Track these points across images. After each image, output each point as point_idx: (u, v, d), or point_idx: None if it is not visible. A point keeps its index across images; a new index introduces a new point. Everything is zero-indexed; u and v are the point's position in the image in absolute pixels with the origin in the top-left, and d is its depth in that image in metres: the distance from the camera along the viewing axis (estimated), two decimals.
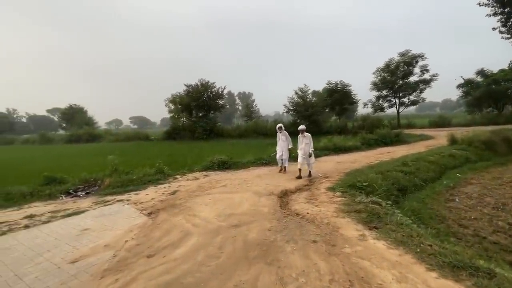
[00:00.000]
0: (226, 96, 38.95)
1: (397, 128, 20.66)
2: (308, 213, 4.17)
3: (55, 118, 73.44)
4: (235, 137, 24.92)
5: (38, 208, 5.37)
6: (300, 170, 7.05)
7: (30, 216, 4.78)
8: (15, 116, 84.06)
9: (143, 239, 3.51)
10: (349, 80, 27.39)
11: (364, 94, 30.68)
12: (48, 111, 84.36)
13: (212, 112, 29.68)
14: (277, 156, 7.84)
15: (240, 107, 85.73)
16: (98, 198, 5.89)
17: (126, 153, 15.20)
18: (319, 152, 11.33)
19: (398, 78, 28.49)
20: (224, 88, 30.33)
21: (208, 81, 29.28)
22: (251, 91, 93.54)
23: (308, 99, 27.04)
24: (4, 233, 4.05)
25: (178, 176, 7.80)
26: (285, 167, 7.82)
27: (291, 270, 2.59)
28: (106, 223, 4.23)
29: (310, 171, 7.20)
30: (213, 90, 29.25)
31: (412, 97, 29.22)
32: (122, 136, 32.72)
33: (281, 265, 2.68)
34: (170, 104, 29.96)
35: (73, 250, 3.29)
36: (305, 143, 7.06)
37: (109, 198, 5.83)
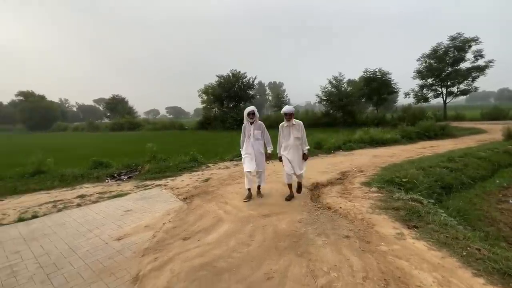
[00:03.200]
0: (257, 87, 38.91)
1: (443, 121, 18.92)
2: (340, 207, 4.04)
3: (101, 108, 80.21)
4: (265, 127, 24.86)
5: (88, 189, 5.96)
6: (290, 185, 4.51)
7: (81, 196, 5.33)
8: (66, 105, 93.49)
9: (179, 222, 3.72)
10: (390, 69, 25.48)
11: (405, 83, 28.35)
12: (94, 101, 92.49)
13: (242, 102, 29.99)
14: (246, 168, 4.39)
15: (270, 97, 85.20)
16: (139, 182, 6.35)
17: (163, 141, 16.10)
18: (353, 144, 10.86)
19: (447, 64, 25.75)
20: (255, 78, 30.40)
21: (239, 72, 29.50)
22: (282, 81, 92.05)
23: (342, 88, 25.89)
24: (60, 210, 4.58)
25: (210, 165, 8.07)
26: (258, 187, 4.70)
27: (322, 264, 2.55)
28: (146, 205, 4.55)
29: (299, 183, 4.62)
30: (244, 80, 29.45)
31: (462, 86, 26.29)
32: (159, 125, 34.75)
33: (312, 258, 2.65)
34: (203, 95, 30.90)
35: (118, 229, 3.61)
36: (294, 136, 4.28)
37: (148, 182, 6.25)
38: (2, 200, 5.30)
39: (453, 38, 25.01)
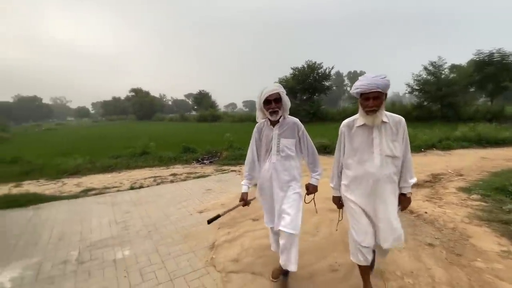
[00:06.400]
0: (334, 77, 36.78)
1: None
2: (426, 212, 3.53)
3: (190, 102, 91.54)
4: (340, 120, 23.32)
5: (179, 169, 7.04)
6: (366, 269, 1.95)
7: (174, 174, 6.36)
8: (164, 100, 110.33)
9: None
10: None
11: None
12: (185, 95, 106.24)
13: (317, 94, 28.96)
14: (266, 221, 2.32)
15: (348, 88, 79.14)
16: (218, 167, 7.10)
17: (239, 132, 17.23)
18: (452, 143, 9.08)
19: None
20: (332, 68, 28.74)
21: (315, 62, 28.48)
22: (364, 69, 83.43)
23: (442, 76, 21.65)
24: (158, 184, 5.60)
25: None
26: (284, 272, 2.17)
27: (395, 267, 2.32)
28: (223, 187, 5.09)
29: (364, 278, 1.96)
30: (319, 71, 28.31)
31: None
32: (237, 117, 37.39)
33: (384, 260, 2.45)
34: None
35: (200, 204, 4.19)
36: (384, 154, 1.76)
37: (225, 167, 6.93)
38: (119, 173, 6.85)
39: None
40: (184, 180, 5.84)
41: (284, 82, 29.59)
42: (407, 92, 24.17)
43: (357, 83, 1.76)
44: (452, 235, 2.85)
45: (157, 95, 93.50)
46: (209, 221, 2.23)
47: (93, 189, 5.25)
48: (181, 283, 2.25)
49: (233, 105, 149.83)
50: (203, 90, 60.78)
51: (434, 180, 5.26)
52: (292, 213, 1.96)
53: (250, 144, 2.26)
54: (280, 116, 2.09)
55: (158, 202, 4.37)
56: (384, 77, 1.70)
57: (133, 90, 69.30)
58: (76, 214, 3.91)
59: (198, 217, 3.64)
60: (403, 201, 1.88)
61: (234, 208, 2.35)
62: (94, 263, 2.58)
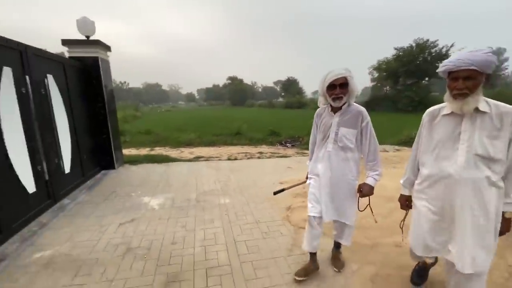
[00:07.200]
0: None
1: None
2: None
3: (278, 89, 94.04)
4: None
5: (264, 149, 7.97)
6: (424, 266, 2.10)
7: (260, 152, 7.31)
8: (255, 87, 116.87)
9: None
10: None
11: None
12: (274, 82, 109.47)
13: (426, 78, 24.69)
14: (310, 210, 2.09)
15: None
16: (298, 150, 7.66)
17: None
18: None
19: None
20: (451, 46, 23.59)
21: (427, 40, 24.15)
22: (504, 46, 63.17)
23: None
24: (248, 158, 6.64)
25: None
26: (337, 244, 2.39)
27: None
28: (302, 167, 5.59)
29: None
30: (432, 50, 23.87)
31: None
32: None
33: None
34: (374, 72, 28.44)
35: (280, 177, 4.89)
36: (473, 153, 1.37)
37: (305, 151, 7.38)
38: (219, 147, 8.34)
39: None
40: (269, 158, 6.69)
41: (384, 65, 26.50)
42: None
43: (446, 60, 1.43)
44: None
45: (249, 83, 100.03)
46: (275, 193, 2.51)
47: (202, 157, 6.77)
48: (263, 226, 2.99)
49: None
50: (291, 77, 61.38)
51: None
52: (346, 207, 2.06)
53: (312, 129, 2.24)
54: (344, 103, 1.92)
55: (248, 172, 5.32)
56: (487, 52, 1.32)
57: (229, 78, 76.67)
58: (192, 172, 5.31)
59: (279, 187, 4.31)
60: (507, 221, 1.41)
61: (298, 184, 2.64)
62: (206, 203, 3.66)
